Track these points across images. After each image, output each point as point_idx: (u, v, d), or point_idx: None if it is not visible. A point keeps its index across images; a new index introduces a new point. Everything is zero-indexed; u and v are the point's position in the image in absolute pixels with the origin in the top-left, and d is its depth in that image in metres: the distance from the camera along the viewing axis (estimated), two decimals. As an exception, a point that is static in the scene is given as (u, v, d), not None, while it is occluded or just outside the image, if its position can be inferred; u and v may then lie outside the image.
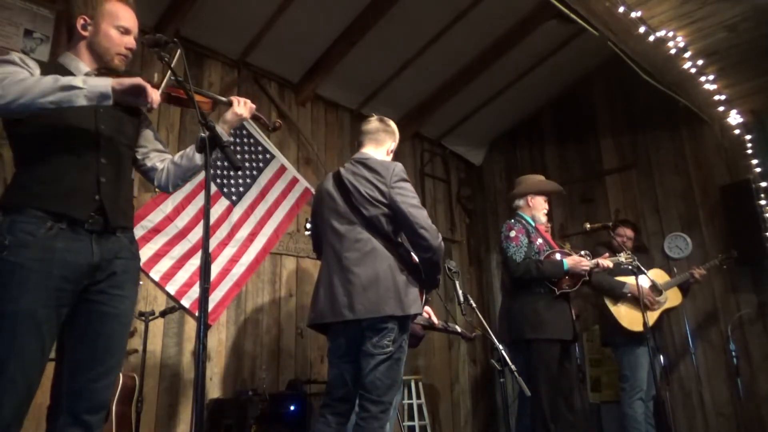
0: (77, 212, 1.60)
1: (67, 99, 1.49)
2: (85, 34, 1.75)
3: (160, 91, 1.66)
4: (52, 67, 1.71)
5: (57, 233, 1.56)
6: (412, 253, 2.42)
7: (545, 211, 3.58)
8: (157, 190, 3.62)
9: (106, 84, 1.52)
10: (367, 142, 2.60)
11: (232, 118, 1.92)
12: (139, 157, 1.92)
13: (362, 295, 2.24)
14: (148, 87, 1.56)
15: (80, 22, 1.75)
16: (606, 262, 3.39)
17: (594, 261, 3.35)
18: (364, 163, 2.46)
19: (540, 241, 3.40)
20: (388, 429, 2.32)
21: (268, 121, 2.07)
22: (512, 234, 3.37)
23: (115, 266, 1.67)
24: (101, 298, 1.64)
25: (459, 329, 3.43)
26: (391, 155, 2.64)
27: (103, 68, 1.77)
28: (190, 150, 1.91)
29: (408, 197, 2.37)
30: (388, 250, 2.33)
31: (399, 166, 2.44)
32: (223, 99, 1.94)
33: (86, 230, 1.62)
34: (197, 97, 1.86)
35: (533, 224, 3.49)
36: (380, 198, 2.36)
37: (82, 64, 1.76)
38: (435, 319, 3.25)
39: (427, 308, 3.21)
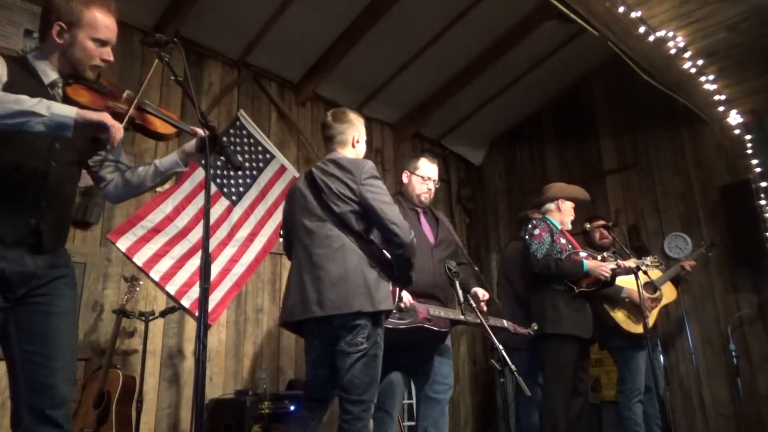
0: (8, 235, 1.59)
1: (25, 125, 1.46)
2: (60, 41, 1.68)
3: (123, 123, 1.58)
4: (20, 64, 1.67)
5: None
6: (384, 250, 2.41)
7: (572, 218, 3.65)
8: (158, 189, 3.66)
9: (69, 115, 1.47)
10: (335, 145, 2.56)
11: (191, 149, 1.83)
12: (91, 163, 1.87)
13: (331, 290, 2.22)
14: (113, 126, 1.51)
15: (56, 29, 1.67)
16: (629, 263, 3.40)
17: (615, 263, 3.36)
18: (336, 162, 2.45)
19: (563, 241, 3.45)
20: (371, 427, 2.30)
21: (234, 159, 1.98)
22: (536, 232, 3.45)
23: (53, 273, 1.68)
24: (43, 299, 1.66)
25: (506, 323, 3.01)
26: (360, 143, 2.59)
27: (72, 76, 1.70)
28: (144, 170, 1.86)
29: (379, 194, 2.35)
30: (358, 247, 2.31)
31: (369, 163, 2.42)
32: (189, 129, 1.81)
33: (17, 245, 1.62)
34: (161, 123, 1.78)
35: (559, 227, 3.54)
36: (351, 195, 2.35)
37: (49, 68, 1.70)
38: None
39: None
